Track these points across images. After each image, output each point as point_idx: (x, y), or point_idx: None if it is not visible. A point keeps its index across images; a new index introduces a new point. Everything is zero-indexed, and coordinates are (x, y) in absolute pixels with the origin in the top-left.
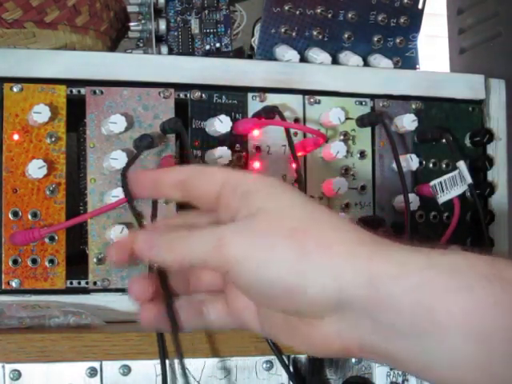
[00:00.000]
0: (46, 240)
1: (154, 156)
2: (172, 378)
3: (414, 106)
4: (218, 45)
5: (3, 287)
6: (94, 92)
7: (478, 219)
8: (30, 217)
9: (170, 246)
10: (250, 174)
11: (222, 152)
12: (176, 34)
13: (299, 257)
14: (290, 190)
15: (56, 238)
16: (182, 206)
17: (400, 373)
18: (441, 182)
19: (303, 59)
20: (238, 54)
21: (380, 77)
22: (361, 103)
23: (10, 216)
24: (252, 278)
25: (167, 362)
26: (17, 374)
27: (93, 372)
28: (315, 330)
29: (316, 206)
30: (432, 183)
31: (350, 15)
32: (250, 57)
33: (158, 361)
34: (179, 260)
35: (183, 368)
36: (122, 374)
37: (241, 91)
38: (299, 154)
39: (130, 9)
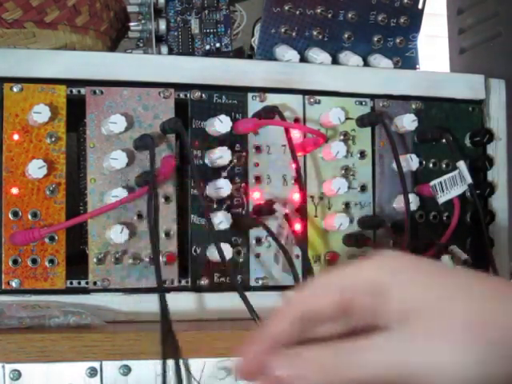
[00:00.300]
0: (46, 240)
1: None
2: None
3: (414, 106)
4: (218, 45)
5: (3, 287)
6: (94, 92)
7: (477, 219)
8: (30, 217)
9: (335, 368)
10: (352, 273)
11: (222, 152)
12: (176, 33)
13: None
14: (425, 266)
15: (56, 237)
16: (182, 206)
17: None
18: (441, 182)
19: (303, 59)
20: (238, 54)
21: (380, 77)
22: (361, 103)
23: (10, 216)
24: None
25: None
26: (17, 374)
27: (93, 372)
28: None
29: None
30: (432, 183)
31: (350, 15)
32: (250, 57)
33: (158, 361)
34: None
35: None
36: (122, 374)
37: (241, 91)
38: (299, 154)
39: (130, 9)
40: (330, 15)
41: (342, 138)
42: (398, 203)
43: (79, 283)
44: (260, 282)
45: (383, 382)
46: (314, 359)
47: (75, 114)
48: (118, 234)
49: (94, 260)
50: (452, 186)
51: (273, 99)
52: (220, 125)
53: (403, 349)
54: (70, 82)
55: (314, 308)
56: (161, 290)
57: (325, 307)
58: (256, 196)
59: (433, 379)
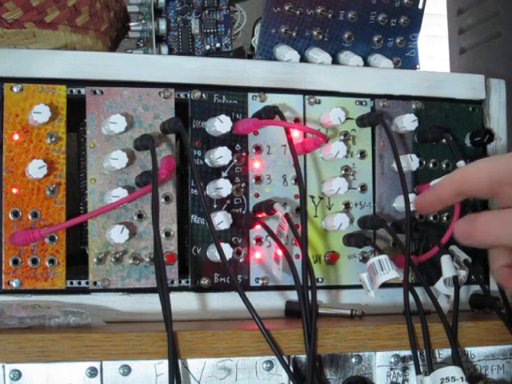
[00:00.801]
0: (46, 240)
1: None
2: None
3: (414, 106)
4: (218, 45)
5: (3, 287)
6: (94, 92)
7: None
8: (30, 217)
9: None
10: (503, 158)
11: (222, 152)
12: (176, 33)
13: None
14: None
15: (56, 237)
16: (182, 206)
17: (400, 373)
18: None
19: (303, 59)
20: (238, 54)
21: (380, 77)
22: (361, 103)
23: (10, 216)
24: None
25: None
26: (17, 374)
27: (93, 372)
28: None
29: None
30: (432, 183)
31: (350, 15)
32: (250, 57)
33: (158, 361)
34: (503, 240)
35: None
36: (122, 374)
37: (241, 91)
38: (299, 153)
39: (130, 9)
40: (330, 15)
41: (342, 137)
42: (398, 203)
43: (79, 283)
44: (260, 281)
45: None
46: (483, 223)
47: (75, 113)
48: (118, 234)
49: (94, 260)
50: None
51: (273, 99)
52: (220, 125)
53: None
54: (70, 82)
55: (470, 188)
56: (164, 289)
57: (478, 190)
58: (256, 195)
59: None
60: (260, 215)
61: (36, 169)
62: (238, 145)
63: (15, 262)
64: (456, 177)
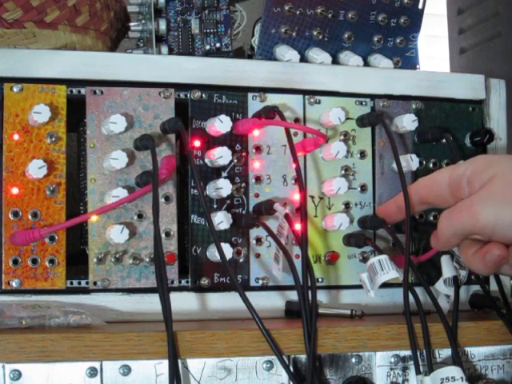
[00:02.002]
0: (46, 240)
1: None
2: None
3: (414, 106)
4: (218, 45)
5: (3, 287)
6: (94, 92)
7: None
8: (30, 217)
9: (443, 226)
10: (464, 163)
11: (222, 152)
12: (176, 33)
13: None
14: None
15: (56, 237)
16: (182, 206)
17: (400, 373)
18: None
19: (303, 59)
20: (238, 54)
21: (380, 77)
22: (361, 103)
23: (10, 216)
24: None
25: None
26: (17, 374)
27: (93, 372)
28: None
29: None
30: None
31: (350, 15)
32: (250, 57)
33: (158, 361)
34: (453, 234)
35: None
36: (122, 374)
37: (241, 91)
38: (299, 154)
39: (130, 9)
40: (330, 15)
41: (342, 138)
42: None
43: (79, 283)
44: (260, 281)
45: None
46: (440, 223)
47: (75, 113)
48: (118, 234)
49: (94, 260)
50: None
51: (273, 99)
52: (220, 125)
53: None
54: (70, 82)
55: (432, 196)
56: (164, 289)
57: (440, 197)
58: (256, 195)
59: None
60: (260, 215)
61: (36, 169)
62: (237, 145)
63: (15, 262)
64: (420, 183)
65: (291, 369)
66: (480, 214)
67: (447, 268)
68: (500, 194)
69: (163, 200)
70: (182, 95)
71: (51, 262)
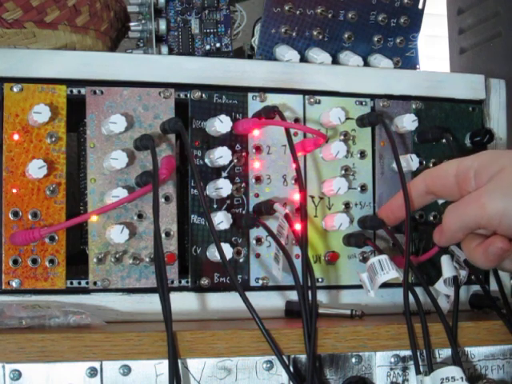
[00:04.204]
0: (46, 240)
1: None
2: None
3: (414, 106)
4: (218, 45)
5: (3, 287)
6: (94, 92)
7: None
8: (30, 217)
9: (449, 219)
10: (472, 156)
11: (222, 152)
12: (176, 33)
13: None
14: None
15: (56, 237)
16: (182, 206)
17: (400, 373)
18: None
19: (303, 59)
20: (238, 54)
21: (380, 77)
22: (361, 103)
23: (10, 216)
24: None
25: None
26: (17, 374)
27: (93, 372)
28: None
29: None
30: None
31: (350, 15)
32: (250, 57)
33: (158, 361)
34: (459, 228)
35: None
36: (122, 374)
37: (241, 91)
38: (299, 154)
39: (130, 9)
40: (330, 15)
41: (342, 138)
42: None
43: (79, 283)
44: (260, 281)
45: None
46: (446, 216)
47: (75, 113)
48: (118, 234)
49: (94, 260)
50: None
51: (273, 99)
52: (220, 125)
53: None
54: (70, 82)
55: (438, 188)
56: (164, 289)
57: (446, 188)
58: (256, 195)
59: None
60: (260, 215)
61: (36, 169)
62: (237, 145)
63: (15, 262)
64: (427, 172)
65: (291, 369)
66: (488, 204)
67: (447, 268)
68: (508, 187)
69: (163, 200)
70: (181, 95)
71: (51, 261)
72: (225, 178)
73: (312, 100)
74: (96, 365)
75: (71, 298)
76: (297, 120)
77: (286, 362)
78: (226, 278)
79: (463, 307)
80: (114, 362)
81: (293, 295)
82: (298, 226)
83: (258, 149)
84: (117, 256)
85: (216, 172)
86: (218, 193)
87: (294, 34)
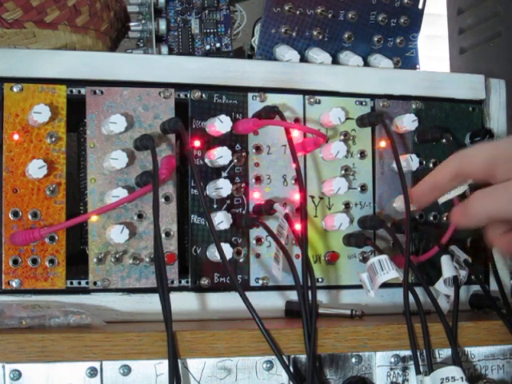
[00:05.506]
0: (46, 240)
1: None
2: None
3: (414, 106)
4: (218, 45)
5: (3, 287)
6: (94, 92)
7: None
8: (30, 217)
9: (477, 205)
10: (506, 141)
11: (222, 152)
12: (176, 33)
13: None
14: None
15: (56, 237)
16: (182, 206)
17: (400, 373)
18: None
19: (303, 59)
20: (238, 54)
21: (380, 77)
22: (361, 103)
23: (10, 216)
24: None
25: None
26: (17, 374)
27: (93, 372)
28: None
29: None
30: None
31: (350, 15)
32: (250, 57)
33: (158, 361)
34: (486, 215)
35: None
36: (122, 374)
37: (241, 91)
38: (299, 154)
39: (130, 9)
40: (330, 15)
41: (342, 138)
42: (398, 203)
43: (79, 283)
44: (260, 281)
45: None
46: (474, 199)
47: (75, 113)
48: (118, 234)
49: (94, 260)
50: None
51: (273, 99)
52: (220, 125)
53: None
54: (70, 82)
55: (469, 171)
56: (164, 289)
57: (476, 172)
58: (256, 196)
59: None
60: (260, 215)
61: (36, 169)
62: (237, 145)
63: (15, 262)
64: (455, 157)
65: (291, 369)
66: None
67: (447, 268)
68: None
69: (163, 200)
70: (182, 95)
71: (51, 261)
72: (225, 178)
73: (312, 100)
74: (96, 365)
75: (71, 298)
76: (297, 120)
77: (286, 362)
78: (226, 278)
79: (463, 307)
80: (113, 361)
81: (293, 295)
82: (298, 226)
83: (258, 149)
84: (117, 256)
85: (216, 172)
86: (218, 193)
87: (294, 34)
